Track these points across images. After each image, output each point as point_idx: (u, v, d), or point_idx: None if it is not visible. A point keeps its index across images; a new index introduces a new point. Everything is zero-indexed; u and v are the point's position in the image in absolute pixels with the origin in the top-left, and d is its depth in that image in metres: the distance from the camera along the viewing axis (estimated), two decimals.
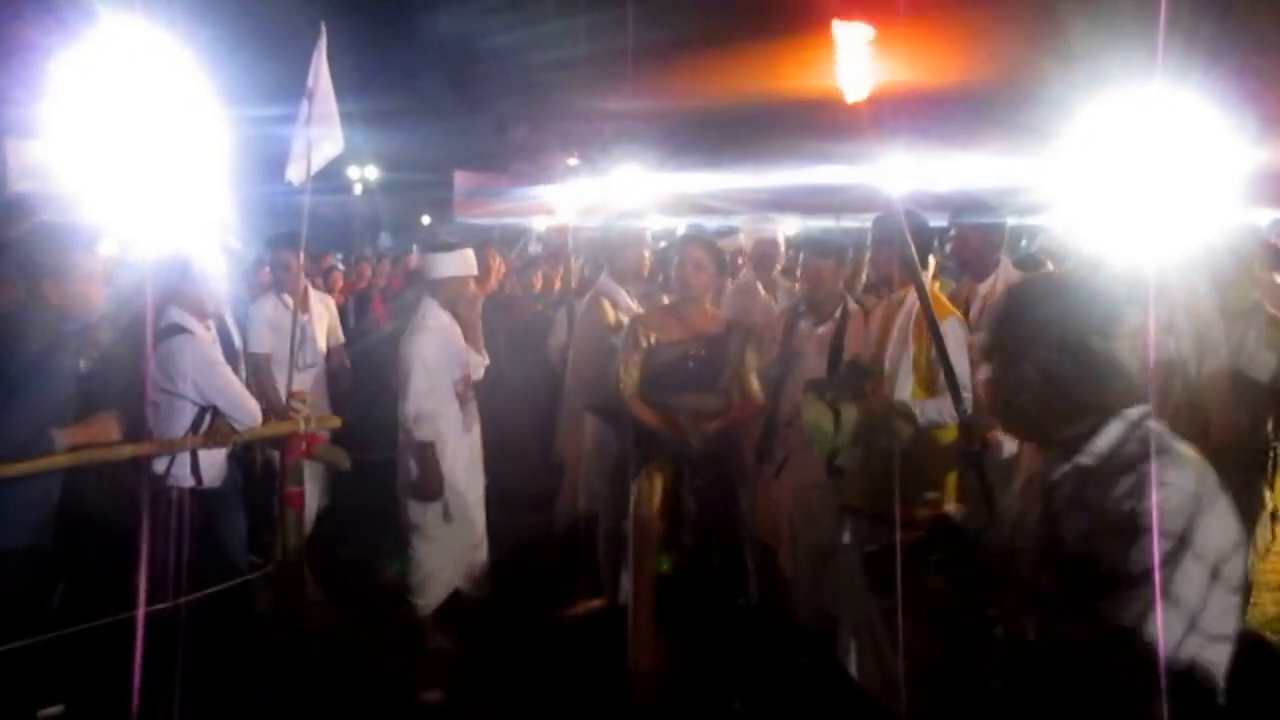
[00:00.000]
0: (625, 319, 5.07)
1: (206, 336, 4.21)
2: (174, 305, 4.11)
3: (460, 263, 4.89)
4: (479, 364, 5.12)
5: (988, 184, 7.09)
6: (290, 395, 4.59)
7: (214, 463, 4.17)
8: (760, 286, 5.82)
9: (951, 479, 3.86)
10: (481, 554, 5.03)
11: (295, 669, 4.12)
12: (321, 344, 6.02)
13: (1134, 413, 1.92)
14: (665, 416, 4.27)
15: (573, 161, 16.59)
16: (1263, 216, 6.55)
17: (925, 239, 4.46)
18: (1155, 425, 1.92)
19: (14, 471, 3.27)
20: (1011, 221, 4.75)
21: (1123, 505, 1.82)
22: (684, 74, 15.74)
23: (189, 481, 4.08)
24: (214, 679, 3.68)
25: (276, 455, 4.38)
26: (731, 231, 6.75)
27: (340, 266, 10.53)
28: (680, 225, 9.68)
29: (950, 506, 2.43)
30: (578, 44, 18.24)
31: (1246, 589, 4.45)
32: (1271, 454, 4.44)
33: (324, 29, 4.59)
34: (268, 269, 6.12)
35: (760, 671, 4.29)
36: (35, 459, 3.33)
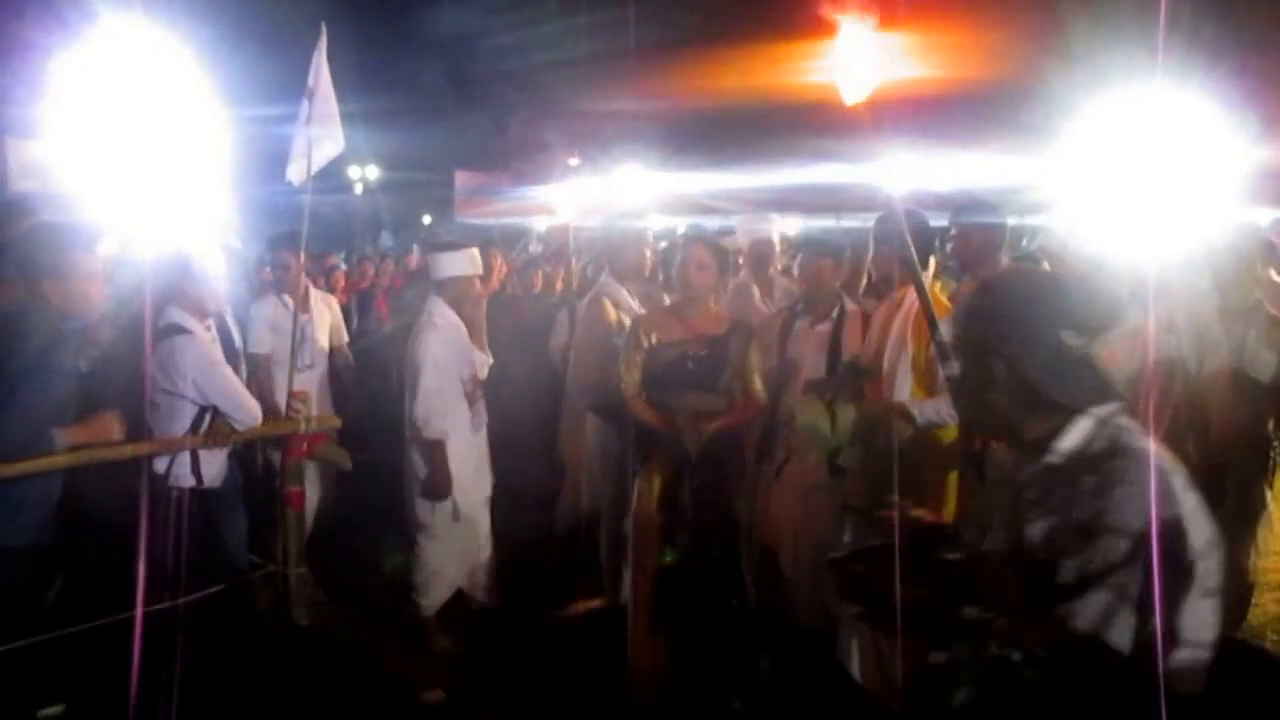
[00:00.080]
0: (627, 319, 5.06)
1: (206, 336, 4.22)
2: (173, 305, 4.12)
3: (466, 262, 4.91)
4: (484, 363, 5.13)
5: (989, 183, 7.09)
6: (291, 395, 4.60)
7: (214, 462, 4.17)
8: (756, 287, 5.81)
9: (952, 479, 3.86)
10: (485, 554, 5.04)
11: (296, 669, 4.12)
12: (323, 344, 6.02)
13: (1103, 411, 1.89)
14: (664, 417, 4.27)
15: (573, 161, 16.59)
16: (1263, 216, 6.54)
17: (926, 238, 4.46)
18: (1125, 423, 1.89)
19: (14, 471, 3.27)
20: (1013, 221, 4.74)
21: (1086, 506, 1.78)
22: (685, 73, 15.73)
23: (189, 481, 4.08)
24: (214, 679, 3.68)
25: (277, 455, 4.38)
26: (729, 232, 6.75)
27: (342, 266, 10.53)
28: (681, 225, 9.68)
29: (949, 507, 2.43)
30: (578, 43, 18.23)
31: (1230, 590, 4.46)
32: (1272, 454, 4.44)
33: (324, 29, 4.59)
34: (268, 269, 6.12)
35: (760, 671, 4.28)
36: (35, 458, 3.33)
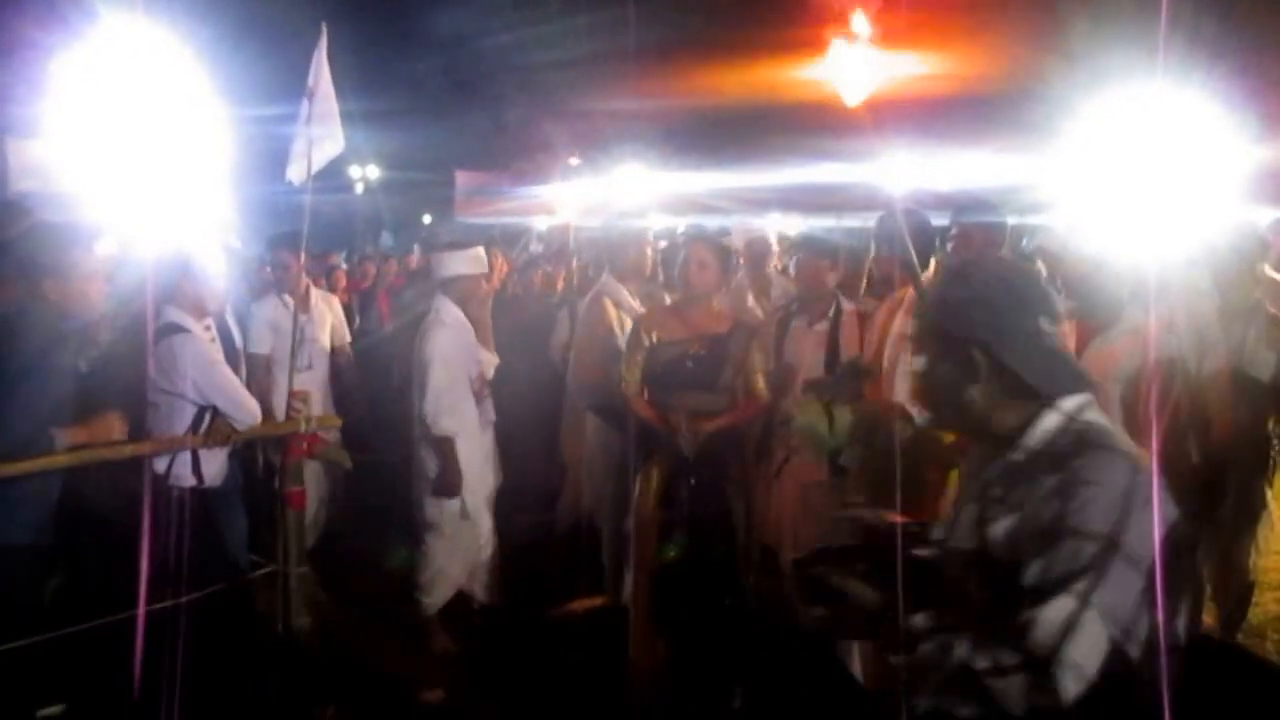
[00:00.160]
0: (627, 319, 5.07)
1: (205, 336, 4.22)
2: (172, 305, 4.12)
3: (472, 261, 4.93)
4: (491, 362, 5.14)
5: (990, 182, 7.09)
6: (291, 395, 4.60)
7: (215, 462, 4.17)
8: (751, 287, 5.81)
9: (953, 478, 3.85)
10: (486, 553, 5.04)
11: (297, 668, 4.12)
12: (324, 344, 6.01)
13: (1071, 404, 1.82)
14: (661, 415, 4.27)
15: (574, 161, 16.59)
16: (1263, 216, 6.54)
17: (927, 238, 4.46)
18: (1094, 417, 1.82)
19: (15, 471, 3.27)
20: (1013, 220, 4.74)
21: (1048, 505, 1.71)
22: (685, 73, 15.73)
23: (190, 481, 4.08)
24: (214, 678, 3.68)
25: (278, 455, 4.38)
26: (725, 233, 6.75)
27: (343, 265, 10.52)
28: (681, 224, 9.68)
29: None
30: (579, 43, 18.22)
31: (1231, 590, 4.45)
32: (1272, 453, 4.44)
33: (324, 28, 4.59)
34: (269, 268, 6.12)
35: (760, 671, 4.28)
36: (35, 457, 3.33)
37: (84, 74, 3.63)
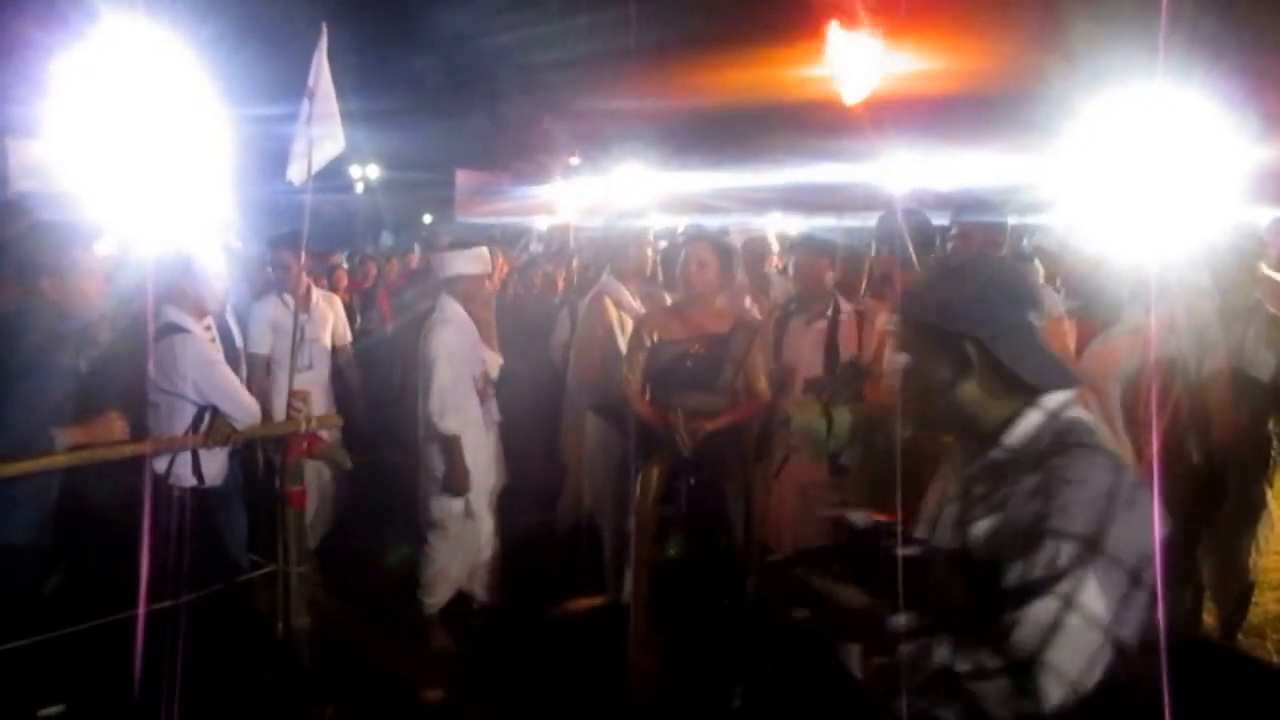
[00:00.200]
0: (628, 318, 5.07)
1: (204, 335, 4.22)
2: (171, 304, 4.11)
3: (475, 261, 4.94)
4: (495, 362, 5.14)
5: (990, 182, 7.10)
6: (291, 395, 4.60)
7: (215, 461, 4.17)
8: (748, 287, 5.80)
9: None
10: (487, 553, 5.04)
11: (297, 668, 4.12)
12: (325, 344, 6.01)
13: (1054, 401, 1.79)
14: (659, 414, 4.27)
15: (574, 160, 16.60)
16: (1263, 215, 6.53)
17: (928, 237, 4.46)
18: (1078, 415, 1.80)
19: (15, 470, 3.27)
20: (1013, 220, 4.75)
21: (1030, 505, 1.68)
22: (686, 73, 15.73)
23: (190, 480, 4.09)
24: (214, 678, 3.68)
25: (278, 455, 4.38)
26: (724, 233, 6.75)
27: (345, 265, 10.51)
28: (681, 224, 9.68)
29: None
30: (579, 43, 18.23)
31: (1231, 590, 4.45)
32: (1272, 452, 4.44)
33: (325, 28, 4.59)
34: (270, 268, 6.12)
35: (760, 671, 4.28)
36: (34, 457, 3.32)
37: (84, 74, 3.64)
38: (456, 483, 4.72)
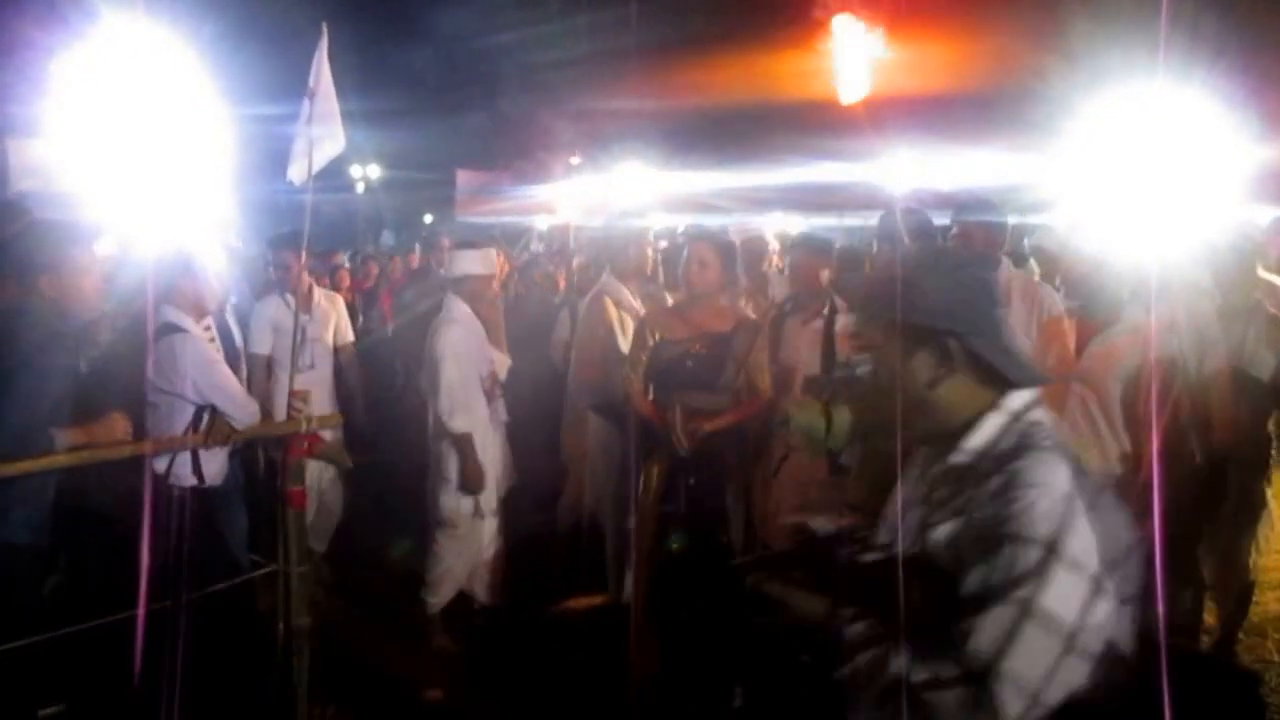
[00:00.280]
0: (628, 318, 5.07)
1: (203, 335, 4.22)
2: (169, 304, 4.11)
3: (482, 261, 4.94)
4: (503, 362, 5.13)
5: (991, 181, 7.10)
6: (291, 394, 4.60)
7: (215, 461, 4.17)
8: (744, 287, 5.81)
9: None
10: (489, 554, 5.04)
11: (297, 668, 4.12)
12: (328, 343, 6.00)
13: (1015, 402, 1.74)
14: (658, 414, 4.27)
15: (574, 160, 16.59)
16: (1263, 215, 6.54)
17: (928, 236, 4.46)
18: (1038, 417, 1.74)
19: (15, 470, 3.27)
20: (1014, 219, 4.75)
21: (988, 509, 1.63)
22: (687, 72, 15.73)
23: (190, 480, 4.09)
24: (215, 678, 3.69)
25: (279, 454, 4.38)
26: (724, 232, 6.76)
27: (346, 265, 10.52)
28: (682, 224, 9.69)
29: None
30: (579, 43, 18.24)
31: (1231, 589, 4.45)
32: (1272, 452, 4.44)
33: (325, 28, 4.59)
34: (272, 268, 6.11)
35: (760, 670, 4.28)
36: (32, 456, 3.32)
37: (84, 74, 3.64)
38: (472, 480, 4.72)
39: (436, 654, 4.80)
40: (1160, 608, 1.71)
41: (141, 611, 3.26)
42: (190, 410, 4.03)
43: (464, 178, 12.99)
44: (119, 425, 3.57)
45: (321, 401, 5.38)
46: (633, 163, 9.28)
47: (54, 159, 5.29)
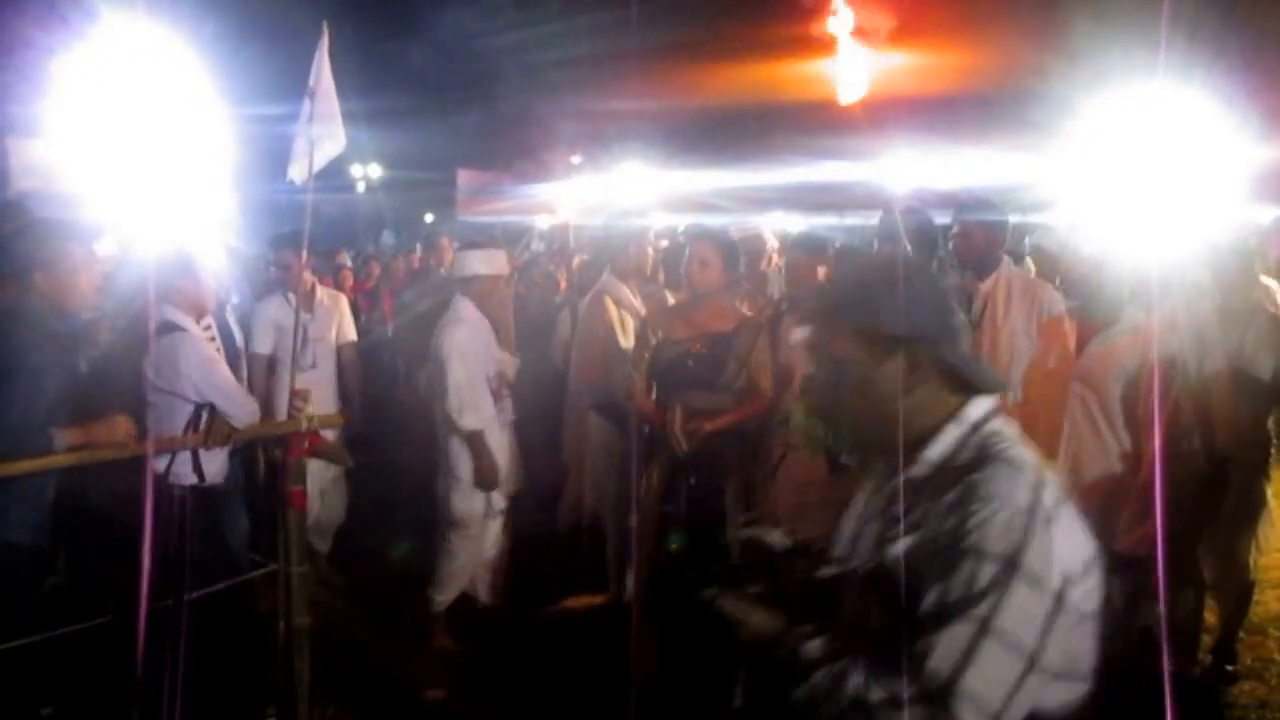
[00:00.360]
0: (629, 318, 5.07)
1: (202, 334, 4.22)
2: (168, 303, 4.12)
3: (491, 261, 4.94)
4: (511, 363, 5.13)
5: (992, 181, 7.10)
6: (292, 394, 4.60)
7: (216, 460, 4.17)
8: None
9: None
10: (492, 554, 5.04)
11: (298, 668, 4.13)
12: (330, 342, 6.00)
13: (975, 412, 1.69)
14: (660, 415, 4.27)
15: (575, 160, 16.59)
16: (1264, 214, 6.54)
17: (929, 236, 4.46)
18: (998, 427, 1.69)
19: (15, 470, 3.27)
20: (1015, 219, 4.75)
21: (946, 522, 1.58)
22: (687, 72, 15.73)
23: (191, 479, 4.09)
24: (215, 677, 3.69)
25: (280, 454, 4.38)
26: (724, 231, 6.76)
27: (349, 265, 10.53)
28: (682, 223, 9.68)
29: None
30: (580, 42, 18.21)
31: (1231, 588, 4.44)
32: (1272, 451, 4.44)
33: (326, 27, 4.59)
34: (273, 268, 6.12)
35: (760, 670, 4.28)
36: (30, 456, 3.32)
37: (84, 74, 3.64)
38: (486, 478, 4.71)
39: (437, 653, 4.80)
40: (1160, 608, 1.70)
41: (142, 611, 3.26)
42: (190, 409, 4.03)
43: (465, 177, 12.99)
44: (122, 426, 3.57)
45: (325, 401, 5.39)
46: (633, 162, 9.29)
47: (54, 159, 5.29)
